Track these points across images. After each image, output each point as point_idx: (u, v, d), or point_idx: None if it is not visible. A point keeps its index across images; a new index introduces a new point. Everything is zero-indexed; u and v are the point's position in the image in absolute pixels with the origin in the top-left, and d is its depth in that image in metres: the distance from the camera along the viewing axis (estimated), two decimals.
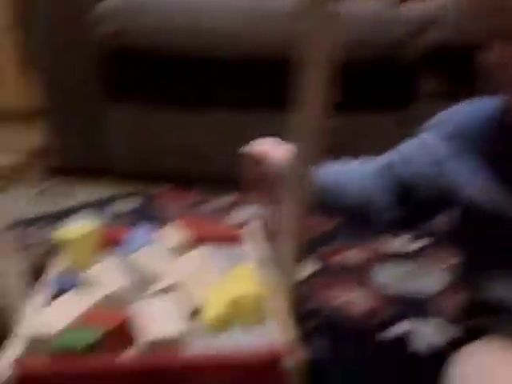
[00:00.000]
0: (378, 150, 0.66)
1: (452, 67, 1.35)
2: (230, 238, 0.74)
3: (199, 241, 0.72)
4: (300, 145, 0.51)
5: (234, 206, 1.34)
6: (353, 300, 0.90)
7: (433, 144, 0.59)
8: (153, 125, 1.52)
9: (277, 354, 0.47)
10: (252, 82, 1.39)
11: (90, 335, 0.48)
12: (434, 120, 0.61)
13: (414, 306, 0.87)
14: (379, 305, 0.88)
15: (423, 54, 1.36)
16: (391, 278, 0.97)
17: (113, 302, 0.55)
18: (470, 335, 0.57)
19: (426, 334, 0.79)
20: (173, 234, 0.72)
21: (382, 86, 1.44)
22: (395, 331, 0.80)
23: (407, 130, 0.72)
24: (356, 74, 1.53)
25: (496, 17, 0.47)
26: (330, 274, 1.00)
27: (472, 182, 0.55)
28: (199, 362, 0.48)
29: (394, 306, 0.87)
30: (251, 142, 0.68)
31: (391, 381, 0.71)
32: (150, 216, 1.26)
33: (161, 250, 0.65)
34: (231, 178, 1.34)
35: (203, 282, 0.59)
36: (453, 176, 0.56)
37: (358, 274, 0.99)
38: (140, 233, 0.69)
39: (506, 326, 0.54)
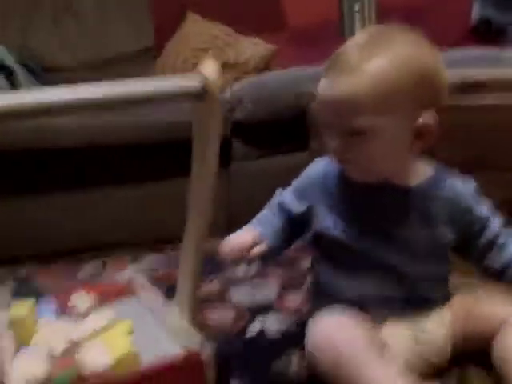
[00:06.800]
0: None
1: (258, 136, 1.68)
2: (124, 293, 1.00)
3: (102, 301, 0.93)
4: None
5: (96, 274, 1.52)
6: (221, 317, 1.21)
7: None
8: None
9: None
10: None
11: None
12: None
13: (262, 309, 1.21)
14: (239, 315, 1.20)
15: (233, 127, 1.65)
16: (243, 296, 1.30)
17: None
18: (303, 325, 0.87)
19: (272, 325, 1.13)
20: (79, 300, 0.91)
21: None
22: (253, 329, 1.13)
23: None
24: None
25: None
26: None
27: (325, 218, 0.85)
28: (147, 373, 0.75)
29: (249, 313, 1.20)
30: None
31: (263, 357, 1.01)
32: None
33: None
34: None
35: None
36: (315, 214, 0.86)
37: (220, 298, 1.31)
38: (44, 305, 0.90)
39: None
